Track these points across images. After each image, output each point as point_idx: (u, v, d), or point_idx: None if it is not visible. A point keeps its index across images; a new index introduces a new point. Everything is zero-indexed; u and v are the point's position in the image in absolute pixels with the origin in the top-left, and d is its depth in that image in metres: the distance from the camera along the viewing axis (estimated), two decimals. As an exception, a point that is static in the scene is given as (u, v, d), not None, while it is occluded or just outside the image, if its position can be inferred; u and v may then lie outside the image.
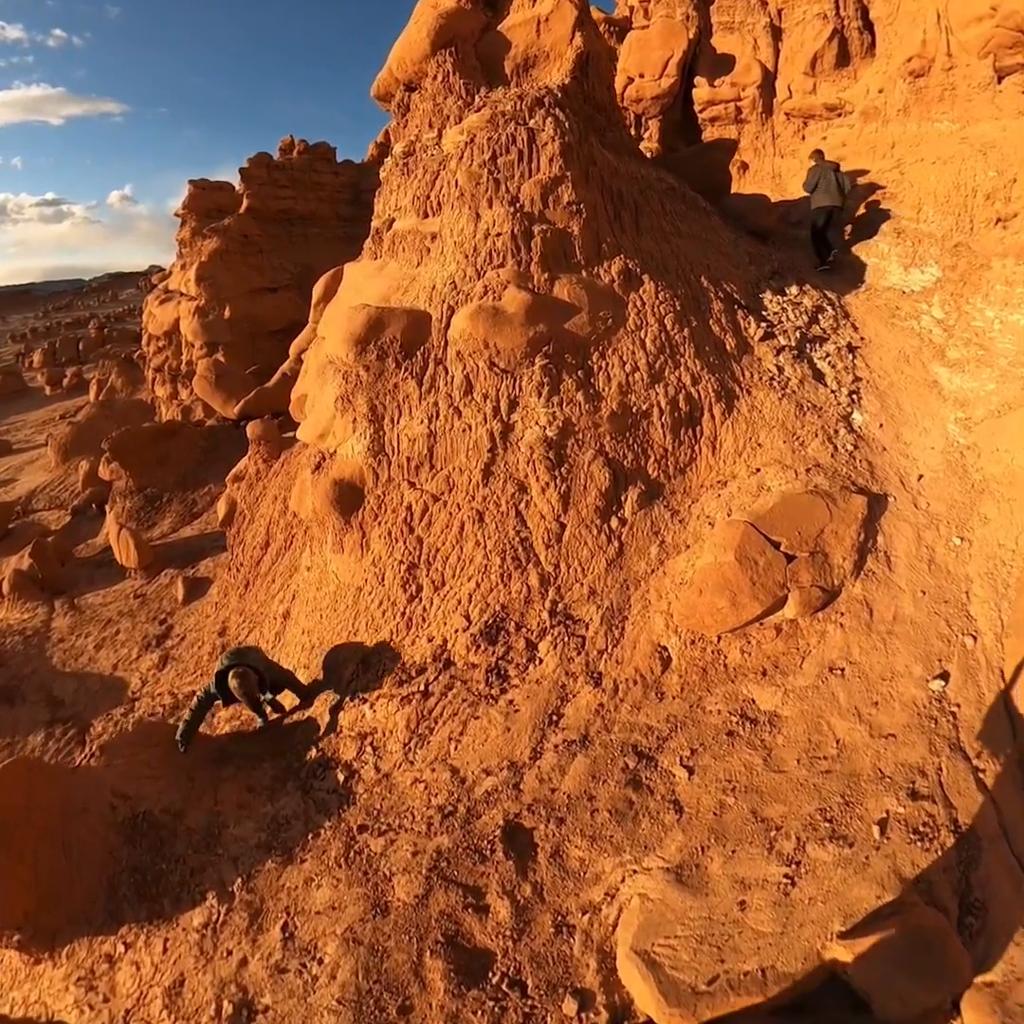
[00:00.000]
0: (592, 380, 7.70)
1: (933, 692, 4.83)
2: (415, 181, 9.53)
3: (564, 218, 8.49)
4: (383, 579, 7.66)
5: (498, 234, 8.27)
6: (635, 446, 7.51)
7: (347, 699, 6.79)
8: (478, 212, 8.54)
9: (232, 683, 6.49)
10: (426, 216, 9.23)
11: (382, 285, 9.51)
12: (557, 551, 7.01)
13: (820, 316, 8.89)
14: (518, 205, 8.46)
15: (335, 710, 6.73)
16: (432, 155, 9.43)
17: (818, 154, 11.05)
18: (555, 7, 9.90)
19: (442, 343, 8.03)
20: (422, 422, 7.84)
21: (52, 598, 12.61)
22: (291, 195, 25.59)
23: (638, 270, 8.49)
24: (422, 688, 6.43)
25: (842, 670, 5.19)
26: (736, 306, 8.82)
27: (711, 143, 14.73)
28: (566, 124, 8.78)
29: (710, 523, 6.62)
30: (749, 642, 5.64)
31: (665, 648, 5.93)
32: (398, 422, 8.03)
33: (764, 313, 8.91)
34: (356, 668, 7.08)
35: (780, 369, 8.01)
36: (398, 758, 5.90)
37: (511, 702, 5.97)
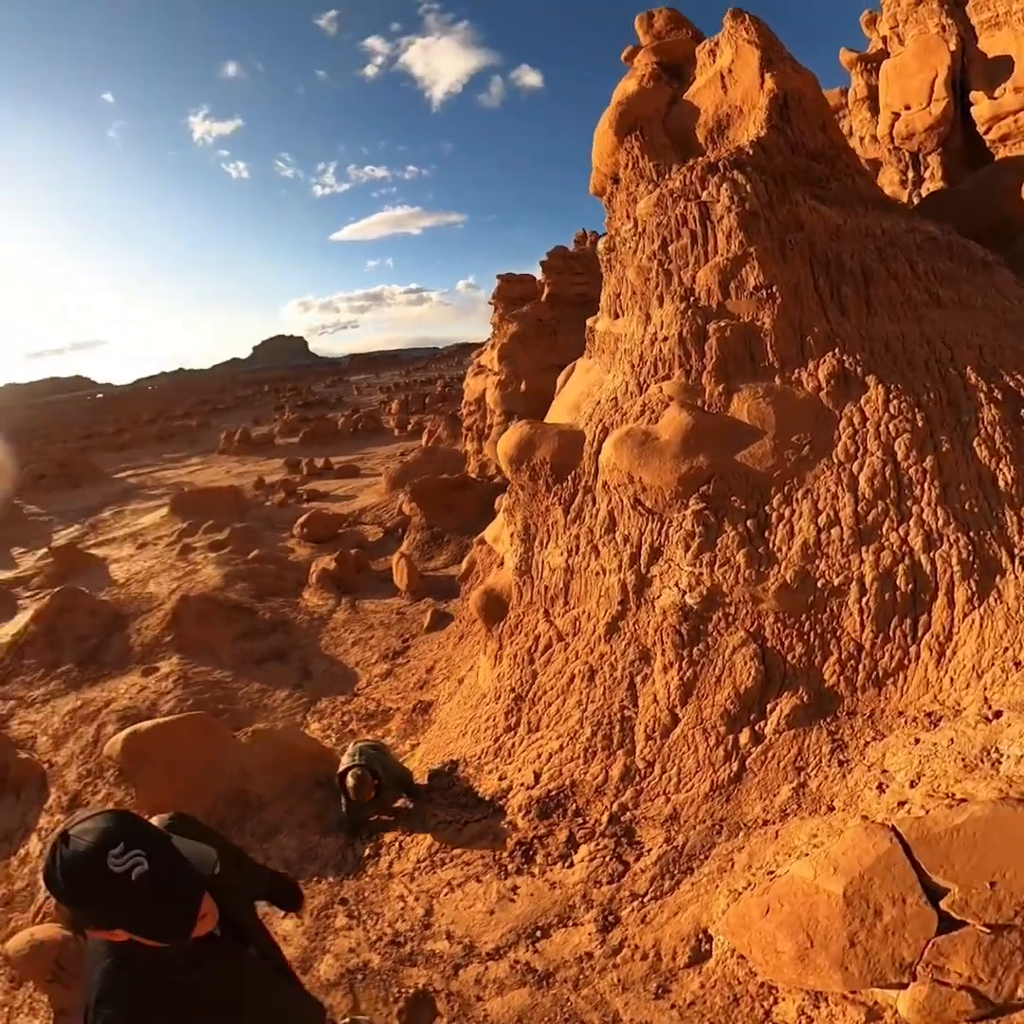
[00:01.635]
0: (766, 534, 5.67)
1: None
2: (611, 278, 8.74)
3: (750, 308, 6.66)
4: (498, 697, 7.06)
5: (665, 338, 6.78)
6: (810, 635, 5.32)
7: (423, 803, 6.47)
8: (648, 312, 7.21)
9: (348, 782, 6.23)
10: (616, 316, 8.28)
11: (579, 389, 8.92)
12: (657, 747, 5.35)
13: None
14: (692, 299, 6.87)
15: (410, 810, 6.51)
16: (622, 249, 8.43)
17: None
18: (735, 54, 8.24)
19: (593, 469, 6.82)
20: (562, 554, 6.82)
21: (342, 595, 14.66)
22: (584, 281, 26.38)
23: (859, 370, 6.15)
24: (462, 822, 5.80)
25: None
26: None
27: (998, 165, 10.96)
28: (746, 188, 7.02)
29: (881, 786, 4.14)
30: (816, 1012, 3.37)
31: (708, 937, 3.88)
32: (545, 547, 7.12)
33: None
34: (445, 769, 6.75)
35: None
36: (407, 868, 5.57)
37: (514, 889, 4.92)
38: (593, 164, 9.75)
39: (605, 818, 5.06)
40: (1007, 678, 4.49)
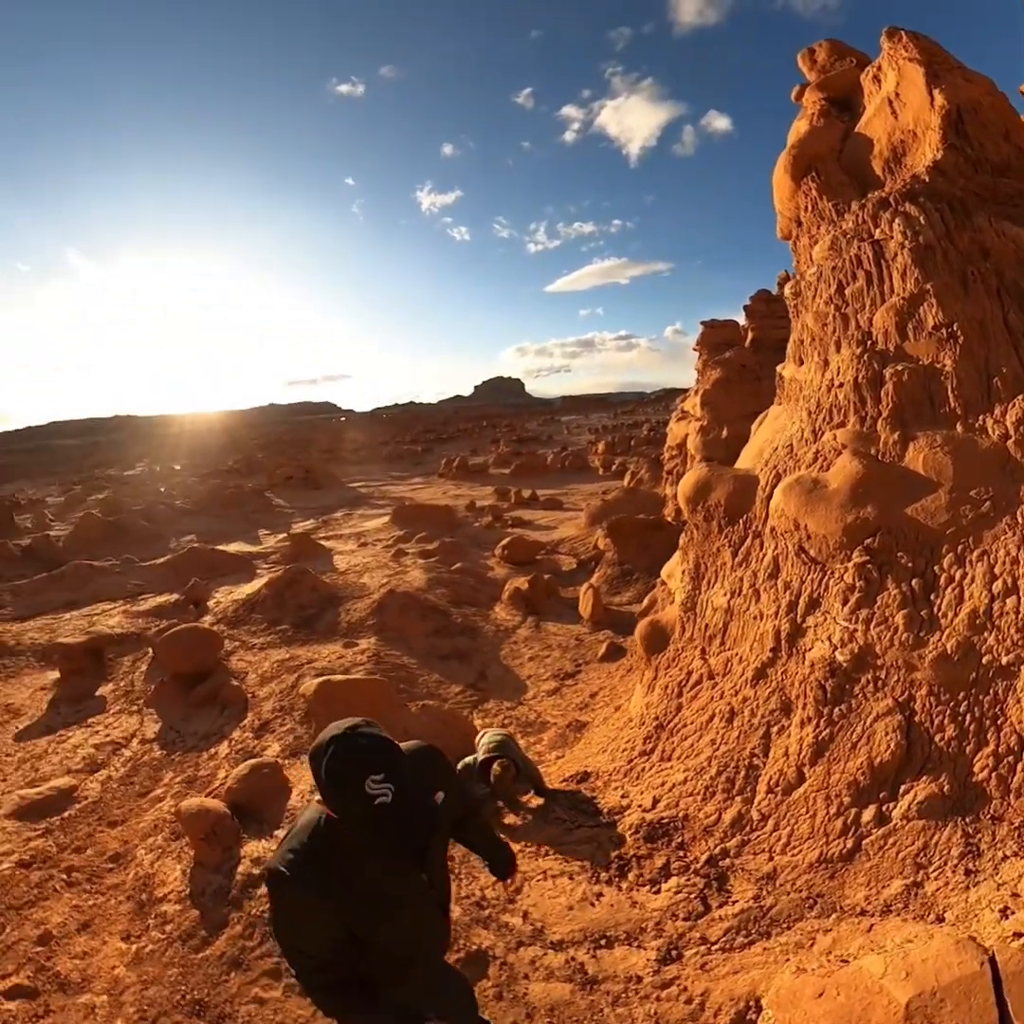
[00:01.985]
0: (931, 597, 5.09)
1: None
2: (796, 323, 8.48)
3: (930, 350, 6.15)
4: (642, 723, 7.09)
5: (841, 384, 6.51)
6: (966, 717, 4.63)
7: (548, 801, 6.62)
8: (826, 358, 6.95)
9: (495, 770, 6.34)
10: (800, 363, 7.99)
11: (765, 436, 8.65)
12: (776, 801, 4.96)
13: None
14: (869, 342, 6.53)
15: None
16: (806, 294, 8.17)
17: None
18: (899, 76, 7.66)
19: (763, 514, 6.68)
20: (726, 595, 6.73)
21: (528, 614, 15.34)
22: (787, 325, 25.19)
23: None
24: (576, 825, 5.88)
25: None
26: None
27: None
28: (920, 220, 6.51)
29: (1005, 910, 3.37)
30: None
31: (759, 1007, 3.49)
32: (712, 587, 7.10)
33: None
34: (576, 779, 6.85)
35: None
36: (515, 849, 5.87)
37: (599, 895, 4.86)
38: (776, 209, 9.59)
39: (704, 857, 4.94)
40: None
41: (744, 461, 8.93)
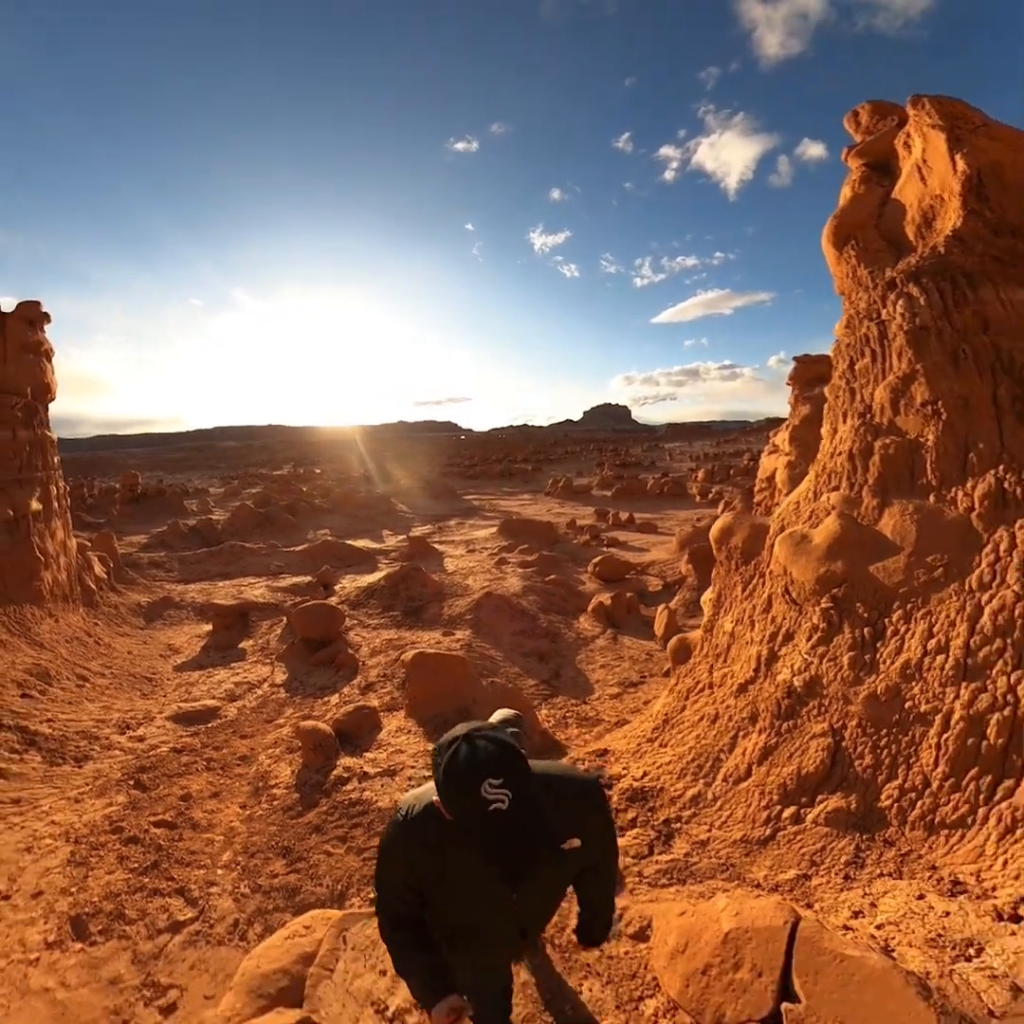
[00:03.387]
0: (877, 644, 5.62)
1: None
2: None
3: (917, 425, 6.48)
4: (655, 717, 7.98)
5: (840, 452, 7.03)
6: (884, 752, 5.13)
7: None
8: (836, 427, 7.40)
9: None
10: (835, 429, 8.38)
11: (802, 487, 8.90)
12: (726, 789, 5.83)
13: None
14: (868, 416, 6.92)
15: None
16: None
17: None
18: (925, 142, 7.57)
19: (769, 558, 7.41)
20: (732, 622, 7.60)
21: (608, 627, 16.57)
22: None
23: (1020, 490, 5.51)
24: None
25: None
26: None
27: None
28: (920, 301, 6.74)
29: (857, 913, 3.89)
30: (664, 1016, 3.40)
31: (651, 928, 4.15)
32: (726, 614, 7.98)
33: None
34: (594, 754, 7.84)
35: None
36: None
37: None
38: (831, 270, 9.37)
39: (662, 819, 5.89)
40: None
41: (779, 510, 9.55)
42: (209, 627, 16.25)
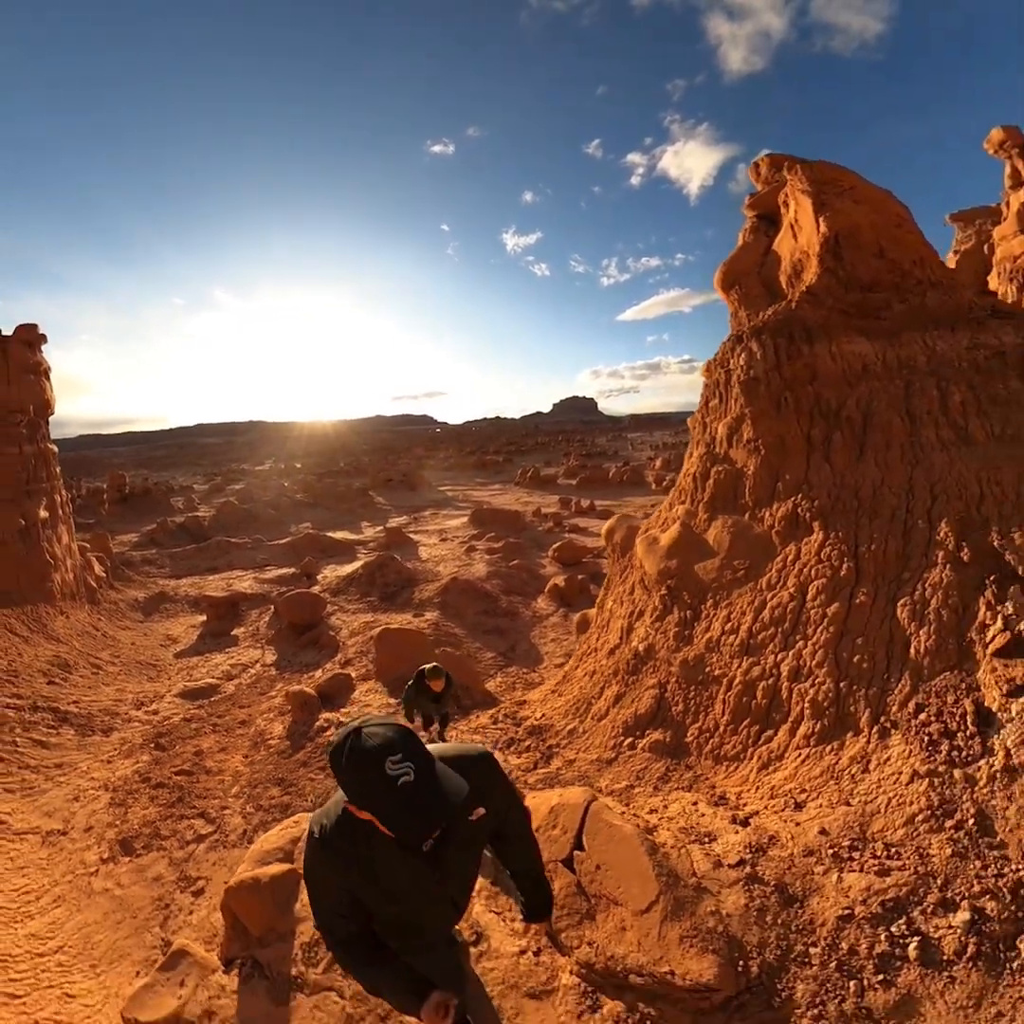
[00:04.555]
0: (694, 624, 7.26)
1: None
2: None
3: (743, 457, 7.70)
4: (560, 676, 9.74)
5: (690, 474, 8.54)
6: (692, 702, 6.76)
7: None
8: (691, 452, 8.89)
9: (426, 667, 7.01)
10: (691, 454, 9.65)
11: (667, 500, 10.37)
12: (591, 725, 7.75)
13: None
14: (712, 446, 8.28)
15: None
16: None
17: None
18: (796, 204, 8.56)
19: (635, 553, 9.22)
20: (612, 601, 9.49)
21: (561, 606, 17.79)
22: None
23: (809, 515, 6.69)
24: (502, 724, 8.67)
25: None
26: (993, 583, 5.21)
27: None
28: (757, 355, 7.72)
29: (654, 811, 5.60)
30: None
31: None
32: (609, 594, 9.84)
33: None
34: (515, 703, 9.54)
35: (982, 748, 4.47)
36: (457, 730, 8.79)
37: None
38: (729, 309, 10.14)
39: (547, 745, 7.82)
40: (783, 809, 4.93)
41: (652, 517, 10.14)
42: (203, 617, 18.00)
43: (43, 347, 19.67)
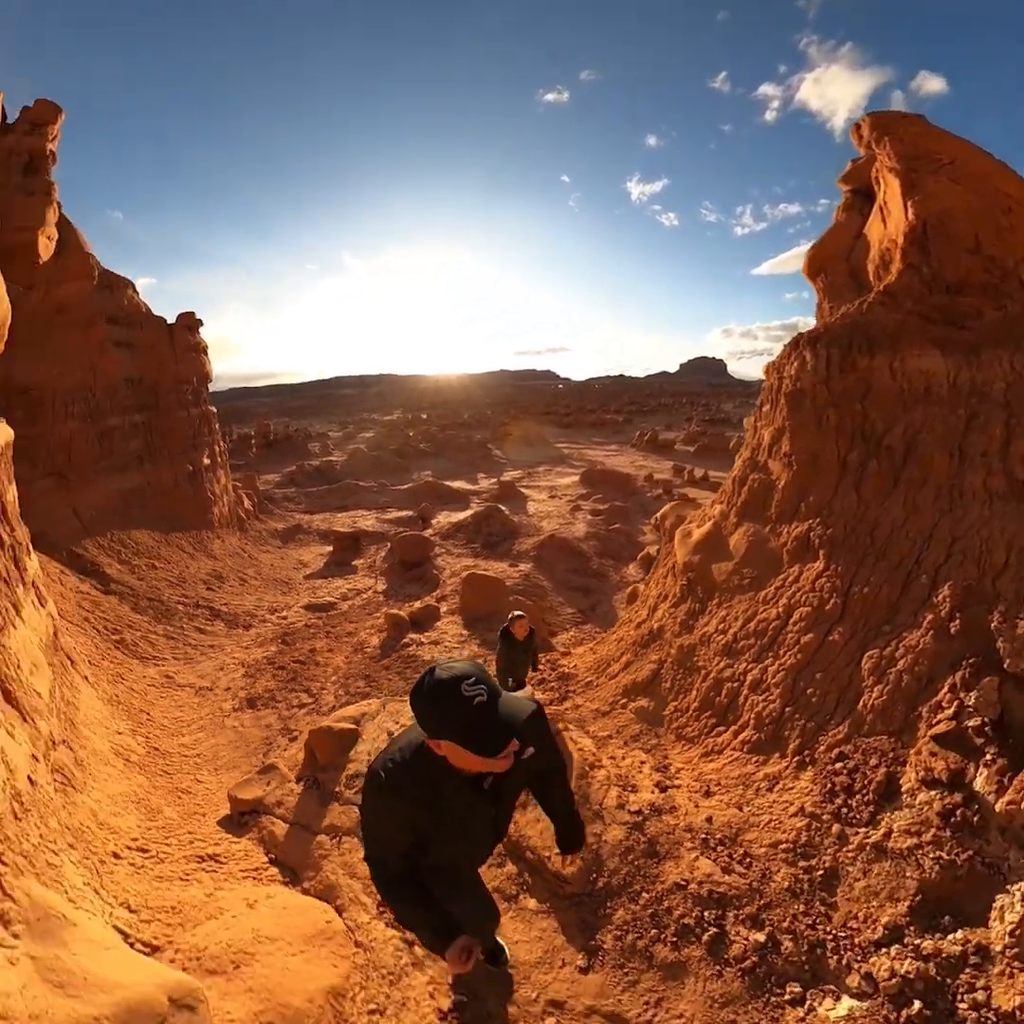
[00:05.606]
0: (699, 616, 7.84)
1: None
2: None
3: (778, 469, 7.60)
4: (604, 638, 10.83)
5: (733, 477, 8.78)
6: (691, 674, 7.30)
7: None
8: (740, 455, 9.01)
9: (514, 613, 7.41)
10: (739, 457, 9.43)
11: (716, 497, 10.38)
12: (605, 682, 8.64)
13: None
14: (756, 452, 8.29)
15: None
16: None
17: None
18: (886, 183, 7.50)
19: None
20: (654, 581, 10.12)
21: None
22: None
23: (818, 542, 6.55)
24: (543, 670, 10.01)
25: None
26: (970, 666, 4.77)
27: None
28: (809, 365, 7.24)
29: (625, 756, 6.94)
30: None
31: None
32: (653, 574, 10.26)
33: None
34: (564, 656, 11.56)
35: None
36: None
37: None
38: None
39: (569, 690, 9.06)
40: (696, 792, 5.58)
41: (702, 508, 10.58)
42: (330, 548, 21.16)
43: (200, 329, 23.90)
